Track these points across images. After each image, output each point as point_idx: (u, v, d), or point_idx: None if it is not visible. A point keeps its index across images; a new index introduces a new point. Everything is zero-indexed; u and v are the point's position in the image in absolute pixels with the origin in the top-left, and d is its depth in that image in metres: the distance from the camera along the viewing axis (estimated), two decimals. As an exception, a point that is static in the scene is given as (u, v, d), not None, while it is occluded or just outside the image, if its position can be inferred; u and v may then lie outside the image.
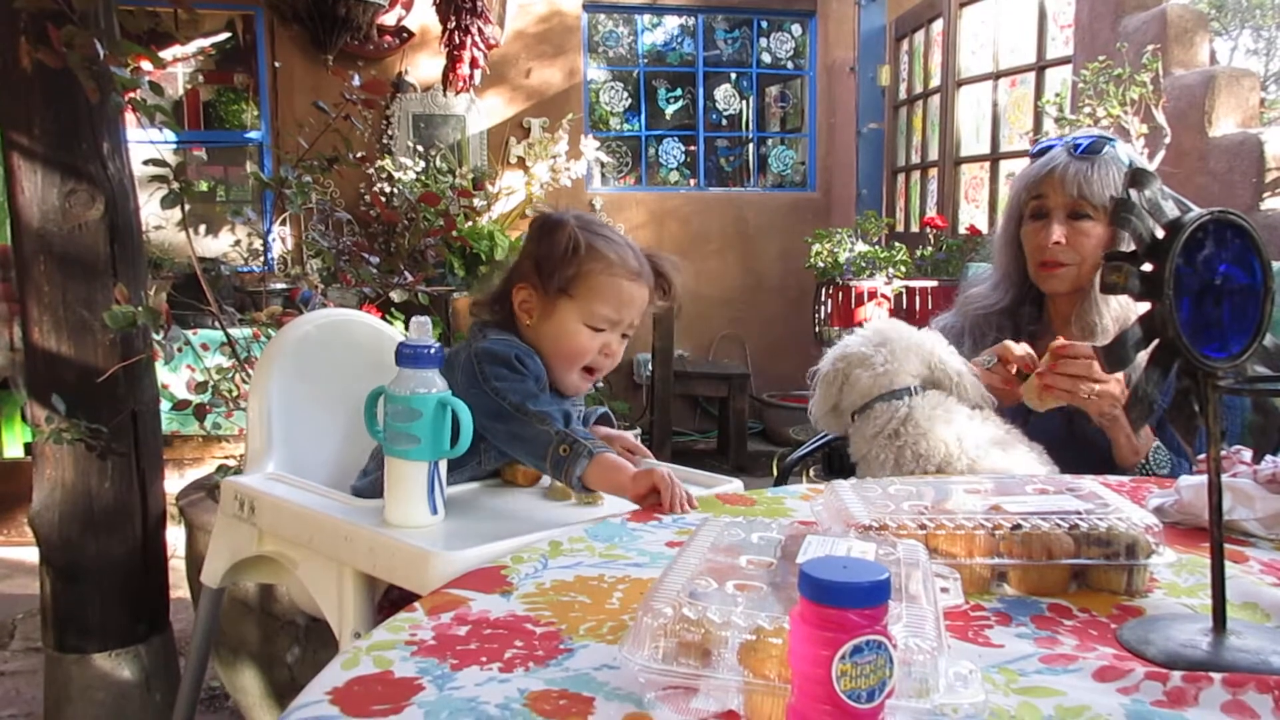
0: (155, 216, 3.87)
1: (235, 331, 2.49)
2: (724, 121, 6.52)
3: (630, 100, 6.26)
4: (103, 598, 2.12)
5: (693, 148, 6.29)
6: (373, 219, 4.69)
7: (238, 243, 4.56)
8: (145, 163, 2.12)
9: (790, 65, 6.31)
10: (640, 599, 0.76)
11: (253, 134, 5.60)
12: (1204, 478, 0.93)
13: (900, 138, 5.56)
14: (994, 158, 4.67)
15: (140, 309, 1.98)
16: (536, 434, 1.29)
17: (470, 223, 5.06)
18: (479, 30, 4.90)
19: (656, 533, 1.11)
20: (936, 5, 4.97)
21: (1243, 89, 3.34)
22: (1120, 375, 1.49)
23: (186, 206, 2.13)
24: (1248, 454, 1.22)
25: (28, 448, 3.26)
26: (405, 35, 5.38)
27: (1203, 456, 0.97)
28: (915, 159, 5.42)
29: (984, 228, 4.46)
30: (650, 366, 5.17)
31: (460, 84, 4.98)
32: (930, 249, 4.42)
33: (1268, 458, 1.15)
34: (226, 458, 3.83)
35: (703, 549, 0.83)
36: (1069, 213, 1.65)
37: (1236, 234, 0.82)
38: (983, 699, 0.66)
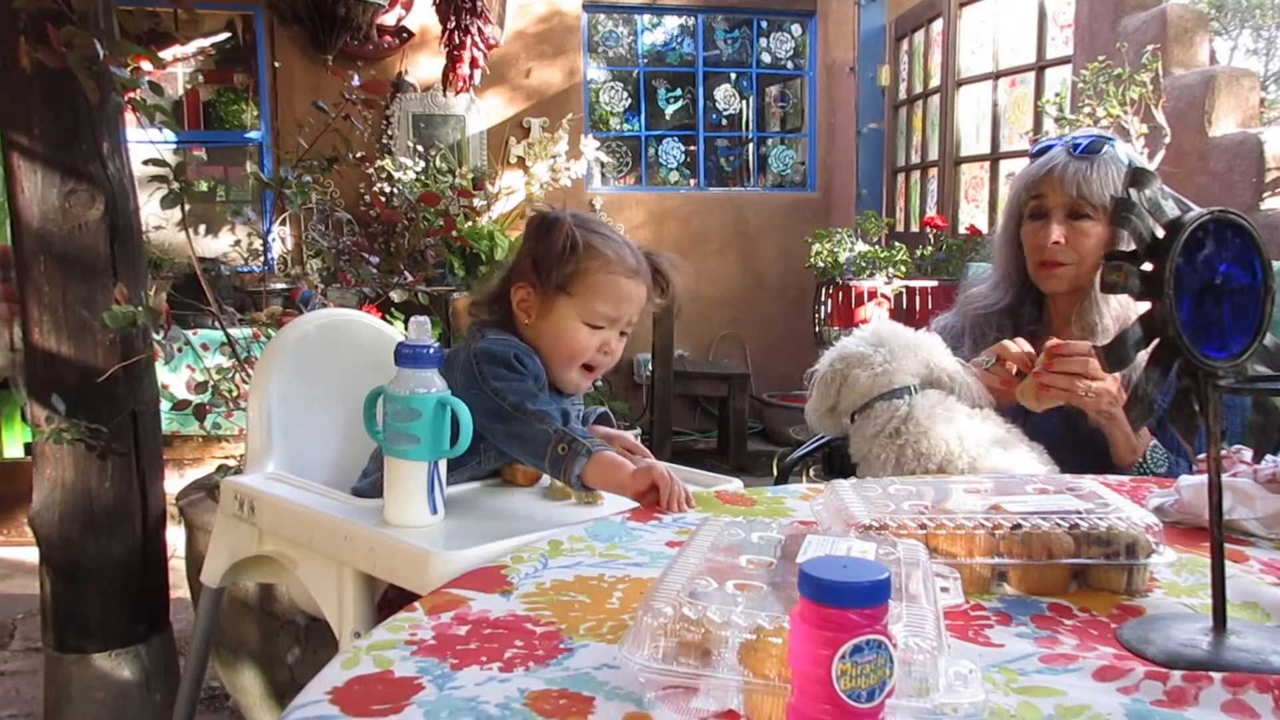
0: (155, 216, 3.87)
1: (235, 331, 2.49)
2: (724, 121, 6.52)
3: (630, 100, 6.26)
4: (103, 598, 2.12)
5: (693, 148, 6.29)
6: (373, 219, 4.69)
7: (238, 243, 4.56)
8: (145, 163, 2.12)
9: (790, 65, 6.31)
10: (640, 598, 0.76)
11: (252, 134, 5.60)
12: (1204, 477, 0.93)
13: (900, 137, 5.56)
14: (994, 157, 4.67)
15: (140, 309, 1.98)
16: (535, 433, 1.29)
17: (470, 223, 5.06)
18: (479, 30, 4.90)
19: (656, 532, 1.11)
20: (936, 5, 4.97)
21: (1242, 89, 3.33)
22: (1117, 374, 1.49)
23: (186, 206, 2.13)
24: (1248, 453, 1.22)
25: (28, 448, 3.26)
26: (405, 35, 5.38)
27: (1203, 456, 0.97)
28: (915, 159, 5.42)
29: (984, 227, 4.46)
30: (650, 366, 5.17)
31: (460, 84, 4.98)
32: (930, 249, 4.42)
33: (1268, 457, 1.15)
34: (226, 458, 3.84)
35: (703, 549, 0.83)
36: (1068, 212, 1.65)
37: (1237, 233, 0.82)
38: (983, 698, 0.66)
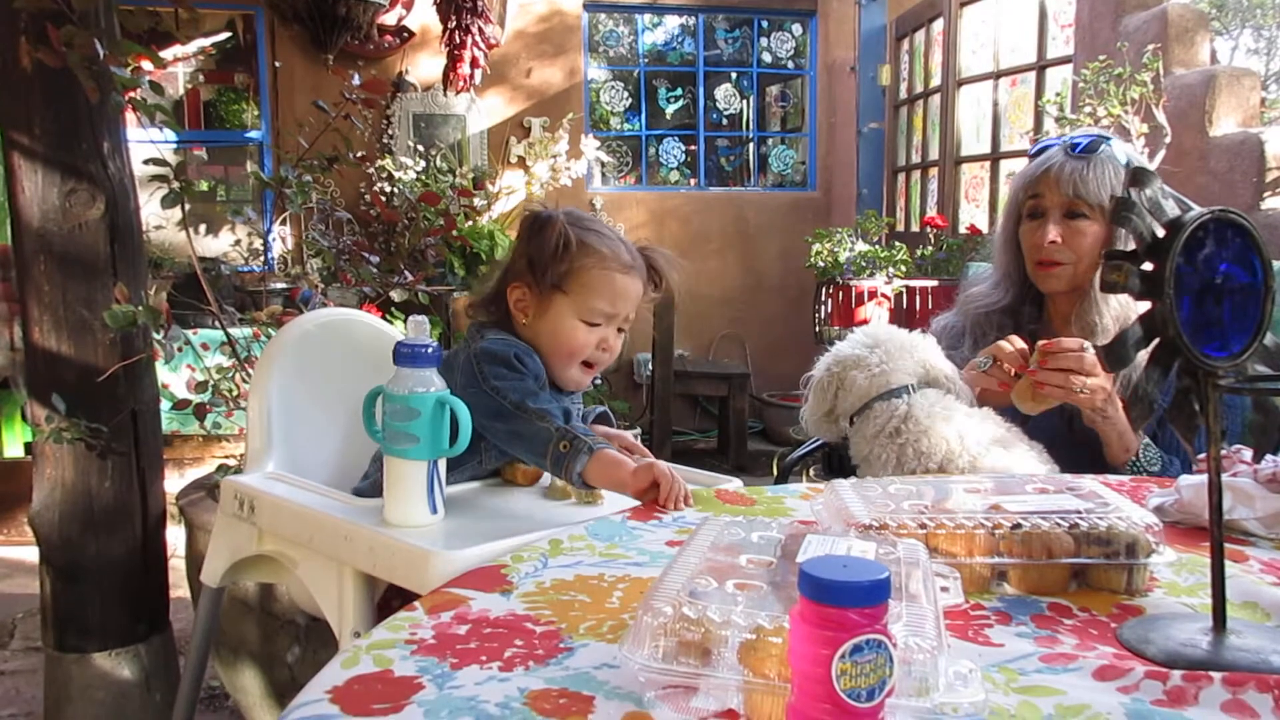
0: (155, 216, 3.87)
1: (235, 331, 2.49)
2: (724, 121, 6.52)
3: (630, 100, 6.26)
4: (103, 597, 2.12)
5: (693, 147, 6.29)
6: (373, 218, 4.69)
7: (238, 242, 4.56)
8: (145, 162, 2.12)
9: (791, 65, 6.31)
10: (640, 598, 0.76)
11: (253, 133, 5.60)
12: (1204, 477, 0.93)
13: (901, 137, 5.56)
14: (994, 157, 4.67)
15: (140, 308, 1.98)
16: (537, 431, 1.29)
17: (470, 222, 5.06)
18: (479, 30, 4.90)
19: (656, 532, 1.11)
20: (937, 5, 4.97)
21: (1243, 88, 3.33)
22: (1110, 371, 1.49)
23: (187, 206, 2.13)
24: (1248, 453, 1.22)
25: (28, 447, 3.26)
26: (405, 35, 5.39)
27: (1203, 456, 0.97)
28: (915, 158, 5.42)
29: (984, 227, 4.46)
30: (650, 366, 5.17)
31: (461, 83, 4.98)
32: (930, 248, 4.42)
33: (1268, 457, 1.15)
34: (226, 457, 3.84)
35: (703, 548, 0.83)
36: (1065, 212, 1.66)
37: (1237, 233, 0.82)
38: (982, 698, 0.66)
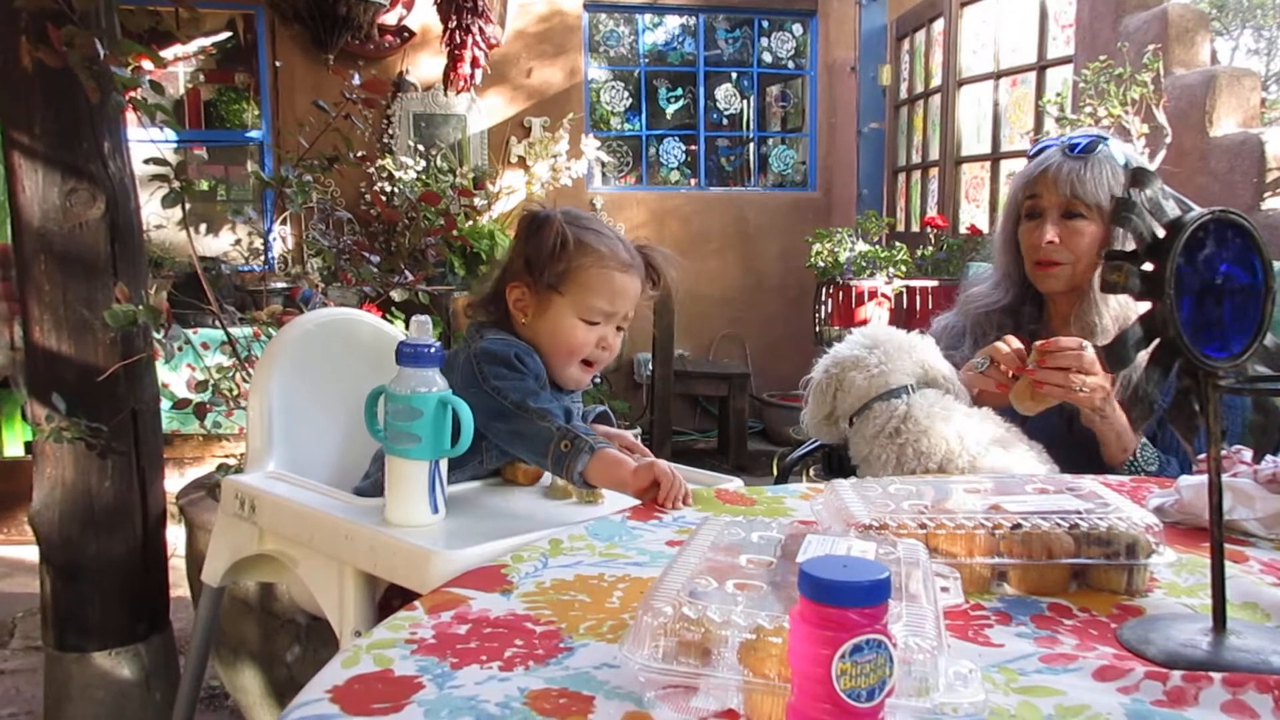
0: (156, 215, 3.87)
1: (236, 330, 2.49)
2: (725, 121, 6.52)
3: (631, 100, 6.26)
4: (103, 596, 2.12)
5: (693, 147, 6.29)
6: (373, 218, 4.69)
7: (238, 242, 4.56)
8: (146, 162, 2.12)
9: (791, 65, 6.31)
10: (640, 598, 0.76)
11: (253, 133, 5.60)
12: (1204, 477, 0.93)
13: (901, 137, 5.56)
14: (995, 157, 4.67)
15: (141, 308, 1.98)
16: (538, 431, 1.29)
17: (471, 222, 5.06)
18: (480, 30, 4.90)
19: (657, 531, 1.11)
20: (937, 5, 4.97)
21: (1244, 89, 3.33)
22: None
23: (187, 205, 2.13)
24: (1248, 454, 1.22)
25: (28, 446, 3.26)
26: (406, 35, 5.38)
27: (1203, 456, 0.97)
28: (916, 159, 5.42)
29: (985, 227, 4.46)
30: (650, 366, 5.17)
31: (461, 83, 4.98)
32: (931, 249, 4.42)
33: (1268, 457, 1.15)
34: (227, 456, 3.84)
35: (703, 548, 0.83)
36: (1063, 212, 1.66)
37: (1237, 233, 0.82)
38: (982, 698, 0.66)
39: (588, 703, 0.69)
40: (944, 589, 0.83)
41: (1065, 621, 0.87)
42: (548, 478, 1.41)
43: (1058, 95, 3.84)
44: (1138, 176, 0.83)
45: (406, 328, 1.41)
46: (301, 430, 1.58)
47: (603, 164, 5.95)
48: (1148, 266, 0.80)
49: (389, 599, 1.25)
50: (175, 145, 5.35)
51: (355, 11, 5.01)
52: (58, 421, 2.00)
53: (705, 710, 0.67)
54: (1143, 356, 0.82)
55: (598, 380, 4.92)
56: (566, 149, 5.42)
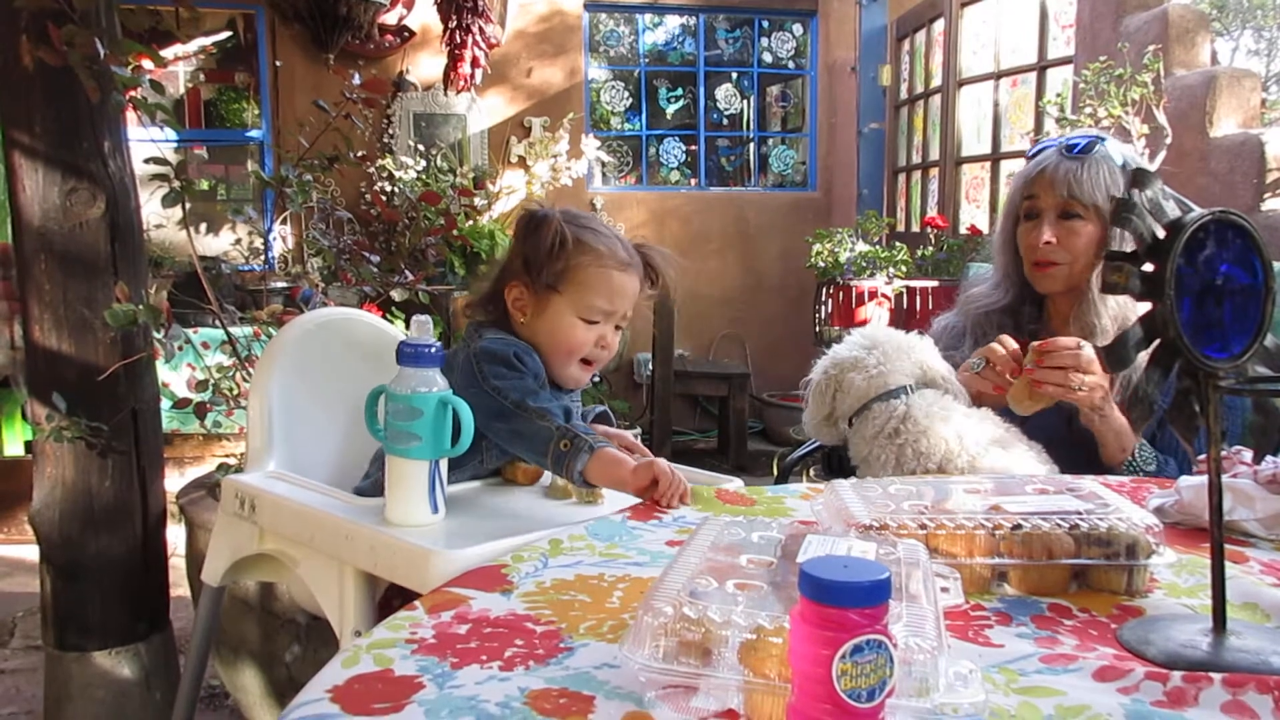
0: (156, 215, 3.86)
1: (236, 330, 2.49)
2: (725, 121, 6.52)
3: (631, 100, 6.26)
4: (103, 596, 2.12)
5: (693, 147, 6.29)
6: (373, 218, 4.69)
7: (238, 241, 4.56)
8: (146, 161, 2.12)
9: (791, 65, 6.31)
10: (640, 598, 0.76)
11: (254, 133, 5.60)
12: (1204, 478, 0.93)
13: (901, 137, 5.56)
14: (995, 158, 4.67)
15: (141, 307, 1.98)
16: (538, 430, 1.29)
17: (471, 222, 5.06)
18: (480, 29, 4.90)
19: (657, 531, 1.11)
20: (938, 5, 4.97)
21: (1244, 89, 3.33)
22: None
23: (187, 205, 2.13)
24: (1248, 454, 1.22)
25: (28, 446, 3.26)
26: (406, 34, 5.38)
27: (1203, 457, 0.97)
28: (916, 159, 5.42)
29: (985, 228, 4.46)
30: (650, 366, 5.17)
31: (461, 83, 4.98)
32: (931, 249, 4.42)
33: (1268, 458, 1.15)
34: (227, 456, 3.84)
35: (703, 548, 0.83)
36: (1060, 212, 1.66)
37: (1238, 234, 0.82)
38: (983, 699, 0.66)
39: (588, 703, 0.69)
40: (944, 589, 0.83)
41: (1065, 622, 0.87)
42: (548, 477, 1.41)
43: (1058, 96, 3.84)
44: (1138, 177, 0.83)
45: (407, 327, 1.41)
46: (301, 430, 1.58)
47: (603, 164, 5.95)
48: (1148, 267, 0.80)
49: (389, 599, 1.25)
50: (175, 145, 5.35)
51: (355, 11, 5.01)
52: (58, 421, 2.00)
53: (705, 710, 0.67)
54: (1143, 357, 0.82)
55: (597, 380, 4.92)
56: (566, 149, 5.42)
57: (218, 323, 2.45)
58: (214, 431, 2.63)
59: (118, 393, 2.08)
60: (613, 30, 6.24)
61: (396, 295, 2.60)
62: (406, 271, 2.73)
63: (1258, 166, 3.10)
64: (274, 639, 2.10)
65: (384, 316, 2.02)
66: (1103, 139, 1.68)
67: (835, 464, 1.78)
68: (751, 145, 6.52)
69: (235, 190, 6.08)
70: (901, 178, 5.58)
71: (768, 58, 6.29)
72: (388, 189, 4.98)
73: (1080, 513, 0.97)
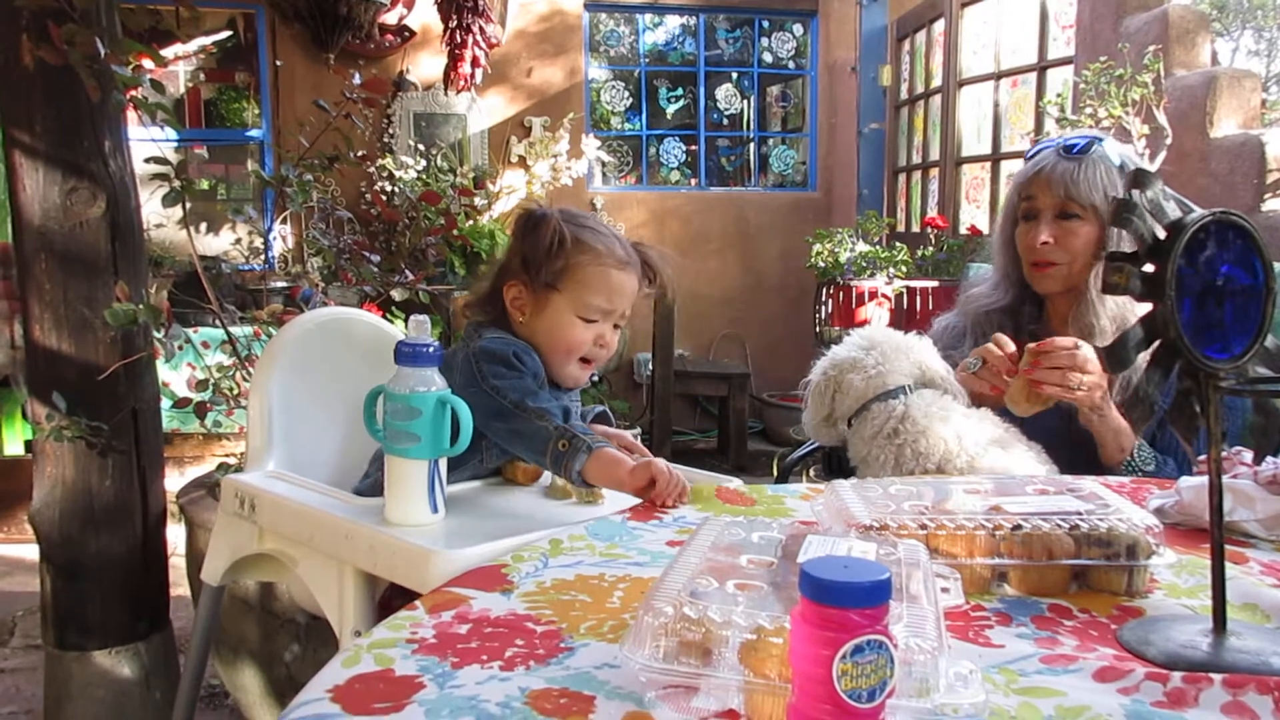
0: (156, 214, 3.86)
1: (236, 329, 2.49)
2: (725, 121, 6.52)
3: (631, 99, 6.26)
4: (103, 595, 2.12)
5: (694, 147, 6.29)
6: (374, 217, 4.69)
7: (238, 241, 4.56)
8: (146, 160, 2.12)
9: (791, 65, 6.31)
10: (641, 598, 0.76)
11: (254, 132, 5.60)
12: (1204, 479, 0.93)
13: (901, 138, 5.56)
14: (995, 158, 4.67)
15: (141, 307, 1.98)
16: (536, 430, 1.29)
17: (471, 221, 5.06)
18: (480, 29, 4.90)
19: (657, 532, 1.11)
20: (938, 5, 4.97)
21: (1244, 90, 3.33)
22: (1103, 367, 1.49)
23: (188, 204, 2.13)
24: (1248, 455, 1.22)
25: (28, 445, 3.26)
26: (406, 34, 5.38)
27: (1203, 457, 0.97)
28: (916, 159, 5.42)
29: (985, 228, 4.46)
30: (650, 366, 5.17)
31: (461, 83, 4.98)
32: (931, 249, 4.42)
33: (1268, 459, 1.15)
34: (227, 456, 3.84)
35: (703, 548, 0.83)
36: (1057, 213, 1.67)
37: (1238, 235, 0.82)
38: (983, 699, 0.66)
39: (588, 703, 0.69)
40: (944, 590, 0.83)
41: (1065, 622, 0.87)
42: (548, 477, 1.41)
43: (1058, 96, 3.84)
44: (1139, 178, 0.83)
45: (406, 327, 1.41)
46: (301, 430, 1.58)
47: (603, 164, 5.95)
48: (1149, 268, 0.80)
49: (389, 599, 1.25)
50: (176, 144, 5.35)
51: (356, 11, 5.01)
52: (58, 420, 2.00)
53: (706, 710, 0.67)
54: (1143, 358, 0.82)
55: (597, 380, 4.92)
56: (567, 149, 5.42)
57: (218, 322, 2.45)
58: (214, 431, 2.63)
59: (118, 392, 2.08)
60: (613, 30, 6.24)
61: (397, 295, 2.60)
62: (407, 271, 2.74)
63: (1258, 167, 3.10)
64: (274, 639, 2.10)
65: (384, 316, 2.02)
66: (1100, 139, 1.69)
67: (835, 464, 1.78)
68: (752, 145, 6.52)
69: (235, 190, 6.08)
70: (902, 178, 5.58)
71: (768, 58, 6.29)
72: (388, 189, 4.98)
73: (1080, 513, 0.97)
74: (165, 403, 2.36)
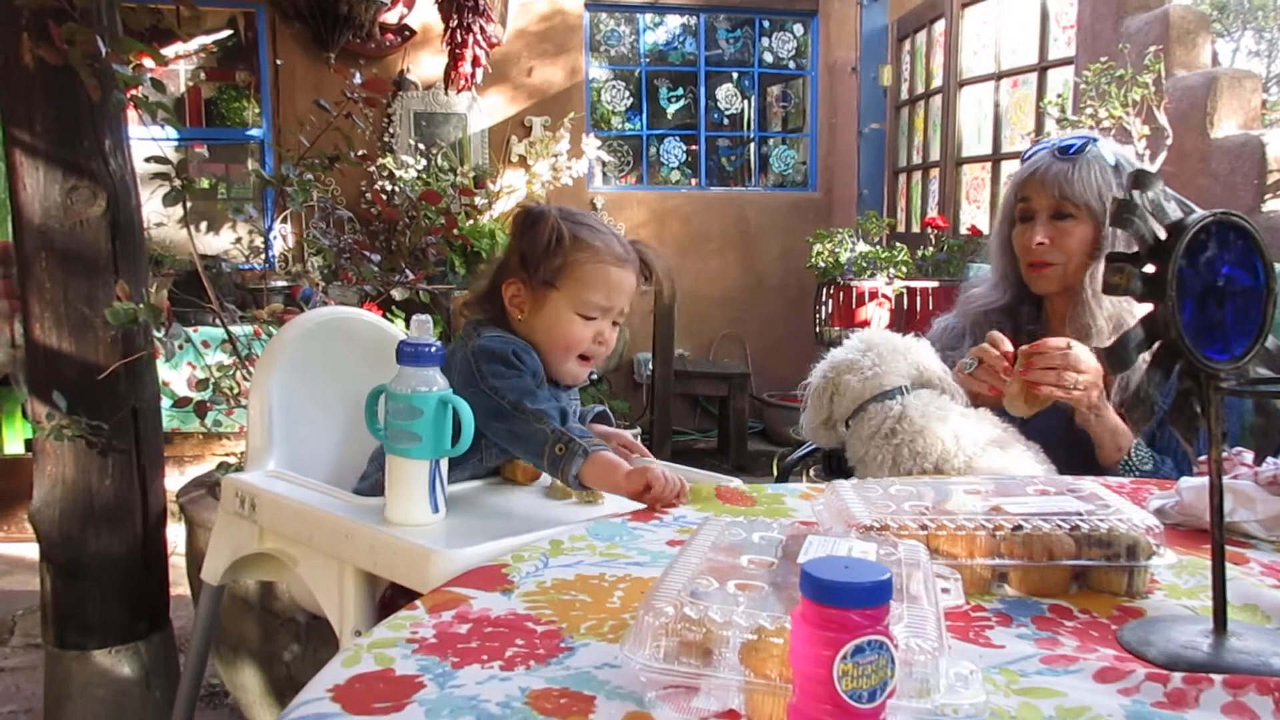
0: (157, 214, 3.86)
1: (236, 329, 2.49)
2: (725, 121, 6.52)
3: (632, 99, 6.26)
4: (103, 594, 2.12)
5: (694, 147, 6.29)
6: (374, 217, 4.69)
7: (239, 240, 4.57)
8: (147, 160, 2.12)
9: (792, 65, 6.31)
10: (641, 598, 0.76)
11: (254, 131, 5.60)
12: (1205, 479, 0.93)
13: (902, 138, 5.56)
14: (995, 158, 4.67)
15: (141, 306, 1.98)
16: (534, 432, 1.29)
17: (471, 221, 5.06)
18: (481, 29, 4.90)
19: (657, 532, 1.11)
20: (938, 5, 4.97)
21: (1244, 90, 3.33)
22: (1098, 365, 1.50)
23: (188, 204, 2.13)
24: (1249, 456, 1.22)
25: (28, 444, 3.26)
26: (407, 33, 5.38)
27: (1204, 458, 0.97)
28: (916, 159, 5.42)
29: (985, 228, 4.46)
30: (650, 366, 5.17)
31: (462, 82, 4.98)
32: (931, 249, 4.42)
33: (1269, 459, 1.15)
34: (227, 455, 3.83)
35: (704, 548, 0.83)
36: (1052, 213, 1.67)
37: (1239, 235, 0.82)
38: (983, 699, 0.66)
39: (589, 703, 0.69)
40: (945, 590, 0.83)
41: (1066, 623, 0.87)
42: (547, 477, 1.41)
43: (1059, 96, 3.84)
44: (1139, 178, 0.83)
45: (407, 327, 1.41)
46: (301, 429, 1.58)
47: (603, 163, 5.95)
48: (1149, 268, 0.80)
49: (389, 598, 1.25)
50: (176, 143, 5.34)
51: (356, 10, 5.01)
52: (58, 419, 2.00)
53: (706, 710, 0.67)
54: (1144, 358, 0.82)
55: (597, 379, 4.92)
56: (567, 148, 5.42)
57: (218, 321, 2.45)
58: (214, 430, 2.63)
59: (118, 391, 2.08)
60: (613, 30, 6.24)
61: (397, 294, 2.60)
62: (407, 270, 2.74)
63: (1258, 168, 3.10)
64: (274, 638, 2.10)
65: (384, 316, 2.02)
66: (1095, 139, 1.69)
67: (835, 464, 1.78)
68: (752, 145, 6.52)
69: (236, 189, 6.08)
70: (902, 178, 5.58)
71: (768, 58, 6.29)
72: (388, 188, 4.98)
73: (1081, 514, 0.97)
74: (165, 402, 2.36)
